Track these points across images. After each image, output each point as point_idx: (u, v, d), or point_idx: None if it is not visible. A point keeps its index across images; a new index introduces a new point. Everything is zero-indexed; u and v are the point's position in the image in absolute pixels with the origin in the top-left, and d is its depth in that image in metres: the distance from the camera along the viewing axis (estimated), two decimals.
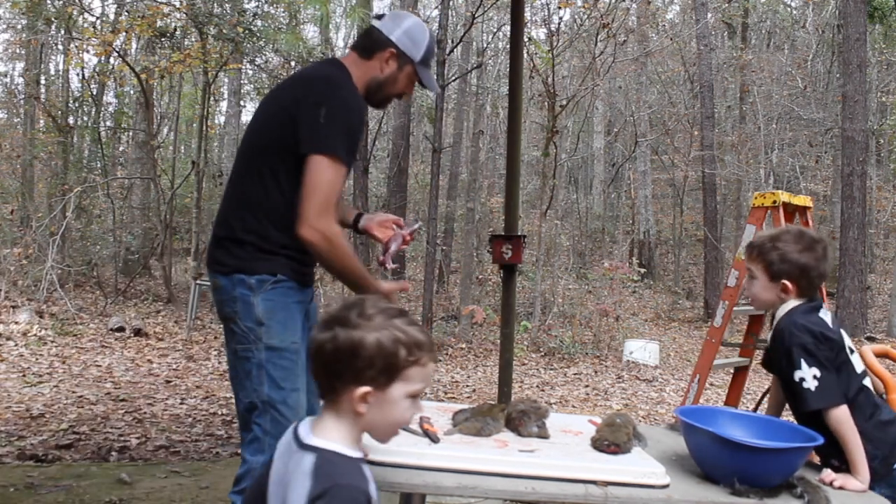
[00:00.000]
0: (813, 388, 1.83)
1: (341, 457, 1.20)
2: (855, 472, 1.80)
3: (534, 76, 10.03)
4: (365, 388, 1.20)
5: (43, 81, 14.85)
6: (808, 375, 1.84)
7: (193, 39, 11.20)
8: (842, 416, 1.83)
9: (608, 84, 15.37)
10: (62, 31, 13.14)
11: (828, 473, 1.80)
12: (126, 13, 12.09)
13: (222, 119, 18.97)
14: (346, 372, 1.20)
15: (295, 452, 1.22)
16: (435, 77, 2.43)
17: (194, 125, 17.46)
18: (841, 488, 1.75)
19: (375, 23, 2.26)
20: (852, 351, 2.00)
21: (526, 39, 8.16)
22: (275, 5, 12.17)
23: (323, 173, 2.03)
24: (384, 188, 14.52)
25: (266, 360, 2.07)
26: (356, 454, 1.23)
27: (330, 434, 1.22)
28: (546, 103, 10.41)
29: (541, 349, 9.40)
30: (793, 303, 1.99)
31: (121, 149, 15.69)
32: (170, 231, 11.12)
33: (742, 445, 1.61)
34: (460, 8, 13.94)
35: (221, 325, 2.25)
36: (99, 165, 13.79)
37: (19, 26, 14.91)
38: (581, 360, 9.10)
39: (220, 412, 5.39)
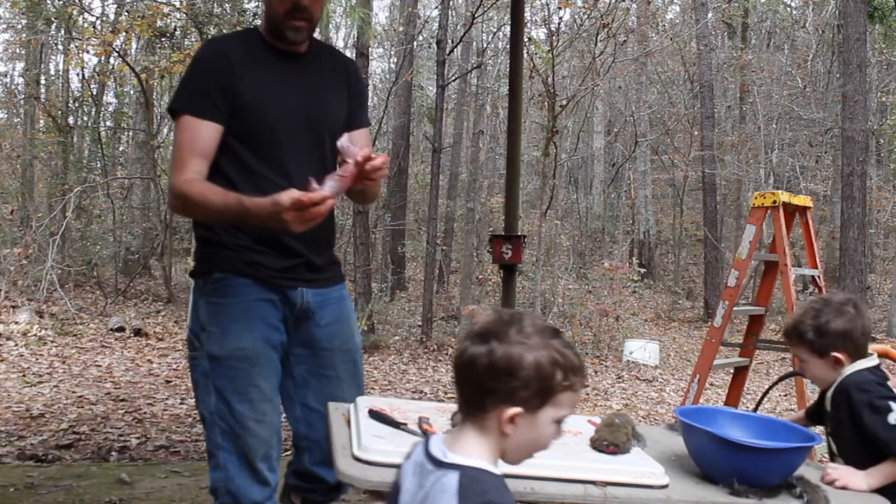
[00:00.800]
0: None
1: (487, 473, 1.15)
2: (867, 475, 1.79)
3: (534, 76, 10.03)
4: (516, 409, 1.14)
5: (43, 81, 14.87)
6: None
7: (193, 39, 11.20)
8: None
9: (608, 84, 15.37)
10: (62, 31, 13.14)
11: (829, 473, 1.79)
12: (126, 13, 12.09)
13: None
14: (499, 390, 1.14)
15: (431, 472, 1.16)
16: None
17: None
18: (844, 488, 1.74)
19: None
20: None
21: (526, 39, 8.16)
22: None
23: (175, 137, 1.95)
24: (384, 188, 14.53)
25: (210, 370, 1.92)
26: (498, 471, 1.18)
27: (471, 450, 1.17)
28: (546, 103, 10.41)
29: None
30: (855, 366, 1.93)
31: (121, 149, 15.70)
32: (170, 231, 11.12)
33: (741, 445, 1.61)
34: (460, 8, 13.93)
35: None
36: (99, 165, 13.80)
37: (19, 26, 14.92)
38: None
39: None
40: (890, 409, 1.79)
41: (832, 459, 2.01)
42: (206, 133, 1.89)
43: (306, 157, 1.98)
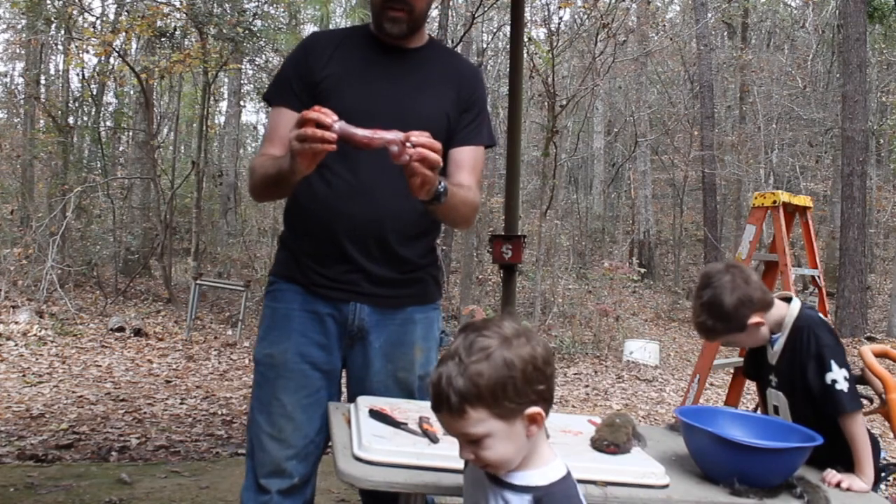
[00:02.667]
0: (846, 390, 1.81)
1: None
2: (860, 473, 1.79)
3: (534, 76, 10.03)
4: None
5: (43, 81, 14.85)
6: (839, 377, 1.82)
7: (193, 39, 11.20)
8: (861, 419, 1.83)
9: (608, 84, 15.37)
10: (62, 31, 13.13)
11: (833, 475, 1.77)
12: (126, 13, 12.09)
13: (222, 119, 18.98)
14: None
15: None
16: None
17: (194, 125, 17.46)
18: (849, 490, 1.73)
19: None
20: None
21: (526, 39, 8.16)
22: (275, 5, 12.18)
23: None
24: None
25: (254, 373, 1.95)
26: None
27: None
28: (546, 103, 10.41)
29: None
30: (794, 306, 1.95)
31: (121, 149, 15.69)
32: (170, 231, 11.12)
33: (742, 445, 1.61)
34: (460, 8, 13.93)
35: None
36: (99, 165, 13.79)
37: (19, 26, 14.92)
38: (581, 360, 9.09)
39: (220, 412, 5.39)
40: (829, 368, 1.84)
41: (768, 412, 2.04)
42: (283, 121, 1.91)
43: (382, 152, 1.74)
